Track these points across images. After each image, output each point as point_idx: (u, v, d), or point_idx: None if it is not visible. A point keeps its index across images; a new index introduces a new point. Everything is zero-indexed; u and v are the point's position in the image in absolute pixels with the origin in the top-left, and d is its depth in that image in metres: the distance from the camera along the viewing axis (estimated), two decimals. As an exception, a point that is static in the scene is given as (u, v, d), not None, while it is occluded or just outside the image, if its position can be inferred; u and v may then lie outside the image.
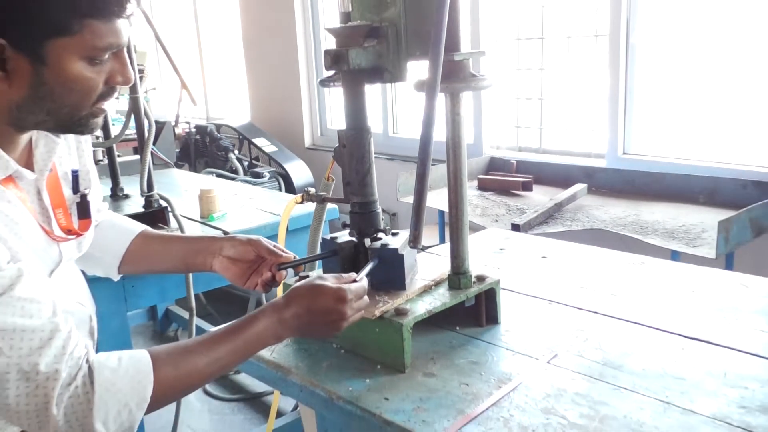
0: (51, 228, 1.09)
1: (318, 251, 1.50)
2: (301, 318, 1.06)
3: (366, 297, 1.11)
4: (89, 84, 1.00)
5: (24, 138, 1.06)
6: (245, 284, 1.28)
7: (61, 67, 0.97)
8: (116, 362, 0.97)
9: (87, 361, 0.95)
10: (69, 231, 1.12)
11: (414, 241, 1.11)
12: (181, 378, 1.01)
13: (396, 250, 1.22)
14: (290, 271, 1.36)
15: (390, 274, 1.24)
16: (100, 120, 1.07)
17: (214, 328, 1.39)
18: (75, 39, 0.95)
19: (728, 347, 1.19)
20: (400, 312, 1.17)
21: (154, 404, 0.98)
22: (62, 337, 0.93)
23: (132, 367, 0.97)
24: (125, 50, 1.04)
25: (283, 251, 1.28)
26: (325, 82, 1.31)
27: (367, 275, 1.15)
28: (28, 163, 1.07)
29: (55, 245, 1.10)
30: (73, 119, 1.03)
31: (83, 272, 1.32)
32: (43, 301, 0.94)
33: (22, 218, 1.02)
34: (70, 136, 1.18)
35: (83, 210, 1.16)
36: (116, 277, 1.41)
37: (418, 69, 1.22)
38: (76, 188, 1.16)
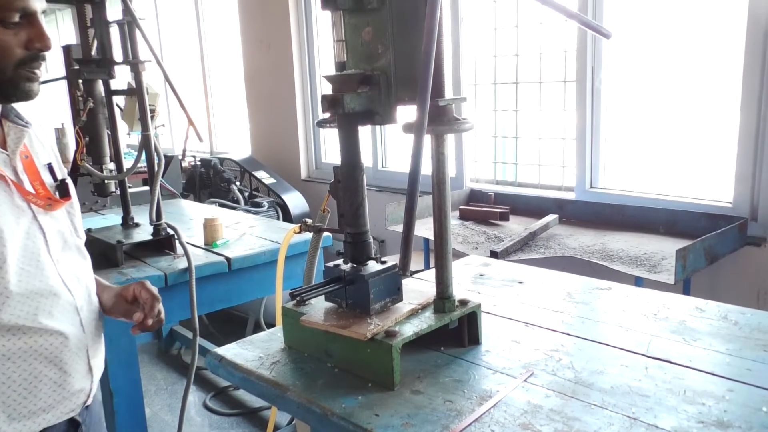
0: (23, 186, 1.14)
1: (314, 277, 1.50)
2: None
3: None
4: (3, 45, 1.06)
5: None
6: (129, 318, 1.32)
7: None
8: None
9: None
10: (48, 198, 1.18)
11: (403, 269, 1.12)
12: None
13: (363, 276, 1.22)
14: (286, 296, 1.36)
15: (357, 297, 1.24)
16: (35, 86, 1.13)
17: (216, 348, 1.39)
18: None
19: (687, 366, 1.20)
20: (389, 334, 1.17)
21: None
22: None
23: None
24: (40, 17, 1.09)
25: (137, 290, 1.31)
26: (321, 124, 1.33)
27: (331, 293, 1.21)
28: (3, 146, 1.16)
29: (25, 205, 1.14)
30: (1, 84, 1.09)
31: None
32: None
33: None
34: (44, 139, 1.27)
35: (63, 190, 1.23)
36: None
37: (406, 112, 1.24)
38: (54, 177, 1.24)
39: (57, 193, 1.22)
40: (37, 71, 1.12)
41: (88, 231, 2.31)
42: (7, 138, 1.17)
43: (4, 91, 1.12)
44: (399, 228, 3.00)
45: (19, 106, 1.22)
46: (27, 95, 1.13)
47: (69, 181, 1.26)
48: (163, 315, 1.30)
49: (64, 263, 1.20)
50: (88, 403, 1.26)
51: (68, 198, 1.23)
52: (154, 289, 1.31)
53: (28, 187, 1.16)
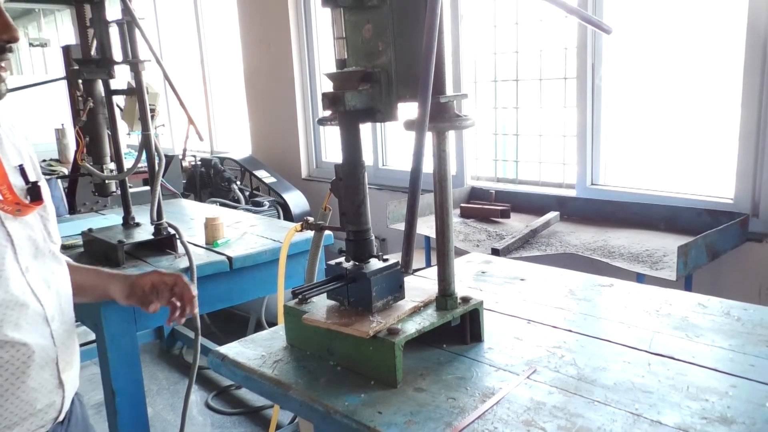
0: None
1: (316, 275, 1.50)
2: None
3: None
4: None
5: None
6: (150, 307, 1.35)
7: None
8: None
9: None
10: (17, 203, 1.10)
11: (405, 267, 1.12)
12: None
13: (365, 273, 1.22)
14: (289, 294, 1.36)
15: (360, 295, 1.24)
16: (1, 85, 1.05)
17: (217, 347, 1.39)
18: None
19: (689, 362, 1.20)
20: (392, 331, 1.17)
21: None
22: None
23: None
24: (2, 8, 1.03)
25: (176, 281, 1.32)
26: (322, 122, 1.32)
27: (333, 291, 1.21)
28: None
29: None
30: None
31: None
32: None
33: None
34: (16, 140, 1.20)
35: (35, 194, 1.15)
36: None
37: (407, 110, 1.23)
38: (26, 179, 1.16)
39: (28, 197, 1.14)
40: (2, 66, 1.04)
41: (89, 231, 2.31)
42: None
43: None
44: (400, 226, 3.00)
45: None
46: None
47: (43, 183, 1.19)
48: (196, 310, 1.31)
49: (34, 271, 1.14)
50: (60, 419, 1.20)
51: (39, 202, 1.15)
52: (189, 284, 1.31)
53: None
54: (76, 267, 1.40)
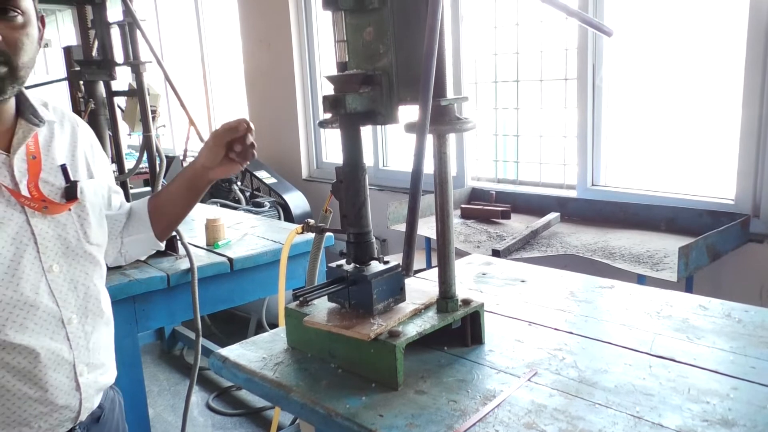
0: (19, 190, 1.10)
1: (317, 278, 1.50)
2: None
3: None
4: None
5: (2, 121, 1.12)
6: (236, 168, 1.35)
7: None
8: None
9: None
10: (43, 200, 1.12)
11: (406, 269, 1.12)
12: None
13: (366, 276, 1.22)
14: (289, 296, 1.36)
15: (360, 298, 1.24)
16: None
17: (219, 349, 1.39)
18: None
19: (691, 365, 1.20)
20: (393, 334, 1.17)
21: None
22: None
23: None
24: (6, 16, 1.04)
25: (237, 123, 1.29)
26: (323, 124, 1.32)
27: (333, 293, 1.22)
28: (7, 146, 1.12)
29: (16, 207, 1.10)
30: None
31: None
32: None
33: None
34: (66, 139, 1.23)
35: (70, 193, 1.17)
36: (160, 245, 1.45)
37: (408, 112, 1.24)
38: (67, 178, 1.19)
39: (63, 198, 1.16)
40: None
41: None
42: (14, 137, 1.12)
43: None
44: (400, 227, 3.00)
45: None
46: None
47: (82, 184, 1.20)
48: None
49: (60, 271, 1.14)
50: (82, 419, 1.20)
51: (73, 201, 1.17)
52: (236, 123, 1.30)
53: (24, 189, 1.11)
54: (162, 190, 1.43)
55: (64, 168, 1.19)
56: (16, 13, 1.05)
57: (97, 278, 1.24)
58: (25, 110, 1.15)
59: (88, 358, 1.19)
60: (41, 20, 1.14)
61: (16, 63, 1.06)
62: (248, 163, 1.36)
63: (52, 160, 1.18)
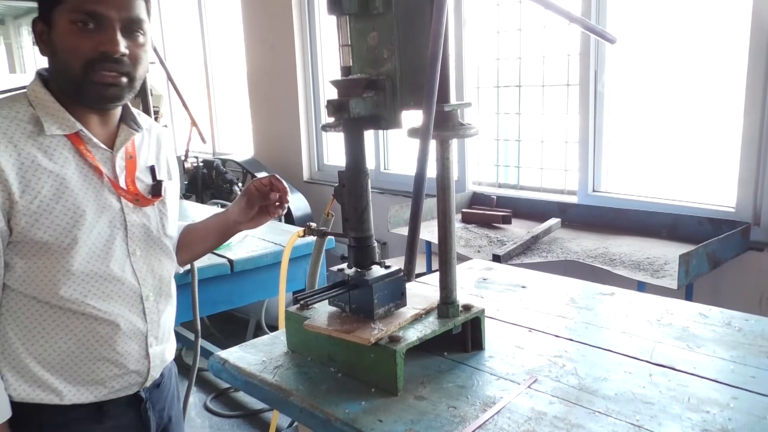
0: (118, 182, 1.25)
1: (318, 280, 1.50)
2: None
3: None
4: (75, 44, 1.13)
5: (110, 123, 1.27)
6: (266, 220, 1.49)
7: (59, 30, 1.14)
8: None
9: None
10: (136, 194, 1.27)
11: (408, 274, 1.12)
12: None
13: (367, 280, 1.22)
14: (289, 298, 1.36)
15: (361, 302, 1.24)
16: (106, 91, 1.18)
17: (218, 351, 1.39)
18: (67, 4, 1.13)
19: (691, 373, 1.20)
20: (393, 339, 1.17)
21: None
22: None
23: None
24: (118, 27, 1.15)
25: (271, 180, 1.44)
26: (326, 128, 1.32)
27: (334, 297, 1.24)
28: (110, 146, 1.26)
29: (114, 197, 1.24)
30: (74, 85, 1.17)
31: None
32: None
33: (70, 168, 1.19)
34: (154, 144, 1.39)
35: (156, 190, 1.32)
36: (180, 269, 1.53)
37: (411, 117, 1.24)
38: (154, 177, 1.34)
39: (150, 194, 1.31)
40: (106, 74, 1.16)
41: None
42: (117, 138, 1.28)
43: (78, 92, 1.18)
44: (401, 230, 3.00)
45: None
46: (96, 100, 1.20)
47: (166, 184, 1.36)
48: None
49: (141, 255, 1.29)
50: (147, 385, 1.34)
51: (158, 197, 1.32)
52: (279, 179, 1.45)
53: (122, 183, 1.26)
54: (202, 221, 1.55)
55: (152, 169, 1.34)
56: (140, 33, 1.21)
57: (169, 265, 1.38)
58: (126, 116, 1.30)
59: (157, 332, 1.33)
60: None
61: (135, 75, 1.22)
62: (281, 211, 1.51)
63: (144, 161, 1.34)
